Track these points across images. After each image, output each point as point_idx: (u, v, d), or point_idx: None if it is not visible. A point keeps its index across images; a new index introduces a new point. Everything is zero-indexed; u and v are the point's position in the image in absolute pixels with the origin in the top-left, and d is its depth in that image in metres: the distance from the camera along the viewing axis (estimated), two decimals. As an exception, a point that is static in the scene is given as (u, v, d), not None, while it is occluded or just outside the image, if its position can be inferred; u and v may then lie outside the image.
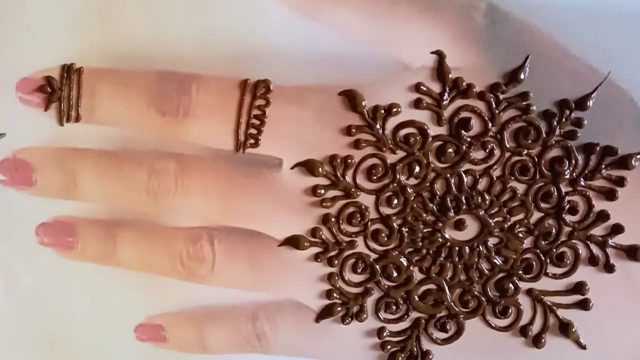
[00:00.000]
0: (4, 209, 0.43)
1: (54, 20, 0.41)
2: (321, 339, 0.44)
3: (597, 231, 0.43)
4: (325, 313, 0.44)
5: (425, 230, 0.43)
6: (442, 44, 0.41)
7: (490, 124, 0.42)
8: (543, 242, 0.43)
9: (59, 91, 0.41)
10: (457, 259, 0.43)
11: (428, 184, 0.42)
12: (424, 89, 0.41)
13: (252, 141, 0.42)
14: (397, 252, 0.43)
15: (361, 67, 0.41)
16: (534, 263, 0.44)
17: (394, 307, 0.44)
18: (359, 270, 0.43)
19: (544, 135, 0.42)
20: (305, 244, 0.43)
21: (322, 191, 0.42)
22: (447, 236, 0.43)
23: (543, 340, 0.44)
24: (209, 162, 0.42)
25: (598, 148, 0.42)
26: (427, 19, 0.41)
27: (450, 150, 0.42)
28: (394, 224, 0.43)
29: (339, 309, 0.44)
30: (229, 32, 0.41)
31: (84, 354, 0.45)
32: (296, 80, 0.41)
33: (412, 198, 0.42)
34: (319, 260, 0.43)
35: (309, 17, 0.41)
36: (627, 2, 0.41)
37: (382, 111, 0.41)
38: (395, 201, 0.42)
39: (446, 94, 0.42)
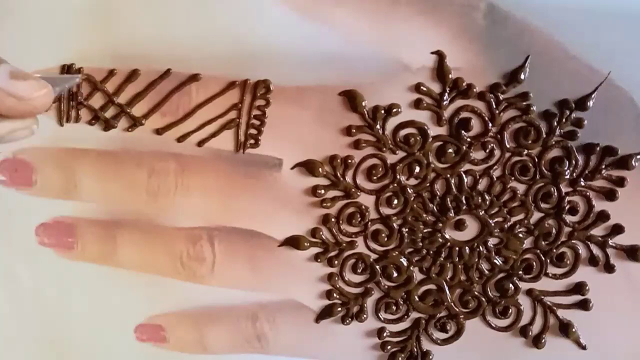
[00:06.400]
0: (4, 209, 0.43)
1: (54, 20, 0.41)
2: (321, 339, 0.44)
3: (597, 231, 0.43)
4: (325, 313, 0.44)
5: (425, 231, 0.43)
6: (443, 44, 0.41)
7: (490, 125, 0.42)
8: (543, 243, 0.43)
9: (59, 91, 0.41)
10: (457, 259, 0.43)
11: (428, 184, 0.42)
12: (424, 89, 0.41)
13: (252, 141, 0.42)
14: (397, 253, 0.43)
15: (361, 67, 0.41)
16: (534, 263, 0.44)
17: (394, 308, 0.44)
18: (359, 271, 0.43)
19: (544, 136, 0.42)
20: (306, 244, 0.43)
21: (322, 191, 0.42)
22: (447, 236, 0.43)
23: (543, 341, 0.44)
24: (208, 162, 0.42)
25: (598, 148, 0.42)
26: (427, 19, 0.41)
27: (450, 150, 0.42)
28: (394, 224, 0.43)
29: (339, 309, 0.44)
30: (229, 32, 0.41)
31: (84, 354, 0.45)
32: (296, 80, 0.41)
33: (412, 198, 0.42)
34: (319, 260, 0.43)
35: (309, 17, 0.41)
36: (627, 2, 0.41)
37: (382, 111, 0.41)
38: (396, 201, 0.42)
39: (446, 94, 0.42)
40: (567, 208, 0.43)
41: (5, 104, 0.31)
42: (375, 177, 0.42)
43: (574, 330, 0.44)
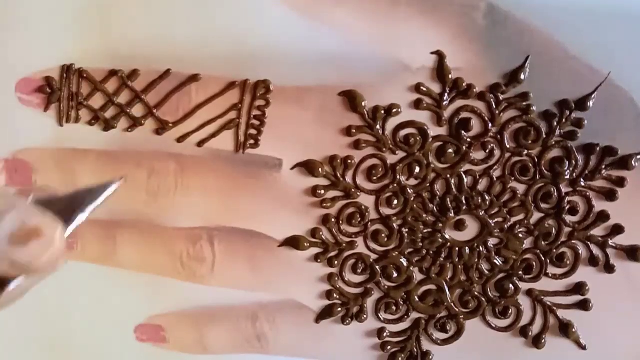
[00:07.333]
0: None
1: (54, 20, 0.41)
2: (321, 339, 0.44)
3: (597, 232, 0.43)
4: (325, 313, 0.44)
5: (425, 231, 0.43)
6: (443, 44, 0.41)
7: (490, 125, 0.42)
8: (543, 243, 0.43)
9: (59, 92, 0.41)
10: (457, 260, 0.43)
11: (428, 185, 0.42)
12: (424, 89, 0.41)
13: (252, 142, 0.42)
14: (397, 253, 0.43)
15: (361, 67, 0.41)
16: (534, 263, 0.44)
17: (394, 308, 0.44)
18: (359, 271, 0.43)
19: (544, 136, 0.42)
20: (306, 244, 0.43)
21: (322, 192, 0.42)
22: (447, 237, 0.43)
23: (543, 341, 0.44)
24: (208, 162, 0.42)
25: (598, 148, 0.42)
26: (427, 19, 0.41)
27: (450, 150, 0.42)
28: (394, 225, 0.43)
29: (339, 309, 0.44)
30: (229, 32, 0.41)
31: (84, 354, 0.45)
32: (296, 80, 0.41)
33: (412, 199, 0.42)
34: (319, 260, 0.43)
35: (309, 17, 0.41)
36: (627, 2, 0.41)
37: (382, 112, 0.41)
38: (396, 202, 0.42)
39: (446, 94, 0.41)
40: (567, 208, 0.43)
41: (10, 273, 0.27)
42: (375, 178, 0.42)
43: (574, 330, 0.44)
